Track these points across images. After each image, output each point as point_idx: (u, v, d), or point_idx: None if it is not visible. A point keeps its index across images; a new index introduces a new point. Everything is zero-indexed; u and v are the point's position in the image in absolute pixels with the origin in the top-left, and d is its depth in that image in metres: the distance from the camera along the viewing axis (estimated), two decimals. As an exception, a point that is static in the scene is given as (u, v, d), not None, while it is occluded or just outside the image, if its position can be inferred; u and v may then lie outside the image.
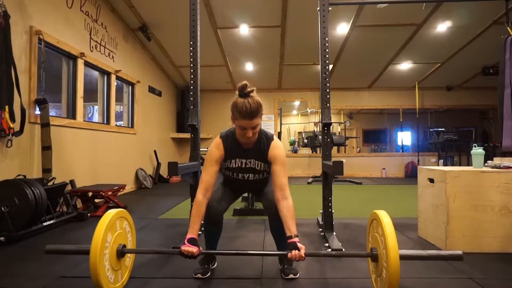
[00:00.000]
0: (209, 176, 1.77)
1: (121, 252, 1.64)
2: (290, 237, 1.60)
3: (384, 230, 1.47)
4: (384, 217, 1.53)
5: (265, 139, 1.83)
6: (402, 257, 1.42)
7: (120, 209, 1.71)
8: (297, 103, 9.59)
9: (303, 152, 9.18)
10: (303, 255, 1.53)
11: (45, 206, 2.71)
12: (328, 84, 2.70)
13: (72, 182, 3.73)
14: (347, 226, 3.01)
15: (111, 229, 1.60)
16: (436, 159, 8.18)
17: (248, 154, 1.84)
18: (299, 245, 1.56)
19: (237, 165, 1.85)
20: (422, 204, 2.61)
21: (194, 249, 1.58)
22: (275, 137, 1.88)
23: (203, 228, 1.92)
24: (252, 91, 1.68)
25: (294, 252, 1.53)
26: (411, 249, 2.34)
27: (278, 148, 1.80)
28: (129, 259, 1.79)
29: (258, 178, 1.89)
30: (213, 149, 1.82)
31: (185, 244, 1.61)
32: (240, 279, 1.82)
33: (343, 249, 2.21)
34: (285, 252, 1.58)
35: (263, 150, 1.82)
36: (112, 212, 1.63)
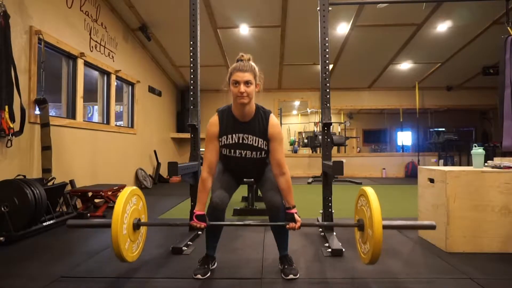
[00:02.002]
0: (210, 153, 1.84)
1: (136, 225, 1.81)
2: (289, 208, 1.80)
3: (371, 203, 1.65)
4: (371, 193, 1.69)
5: (262, 114, 1.86)
6: (385, 227, 1.61)
7: (135, 187, 1.86)
8: (297, 103, 9.58)
9: (303, 152, 9.18)
10: (298, 227, 1.76)
11: (45, 206, 2.71)
12: (328, 84, 2.70)
13: (72, 182, 3.73)
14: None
15: (128, 204, 1.76)
16: (436, 159, 8.18)
17: (245, 129, 1.84)
18: (296, 217, 1.77)
19: (233, 141, 1.84)
20: (422, 204, 2.61)
21: (202, 225, 1.77)
22: (272, 114, 1.89)
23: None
24: (248, 58, 1.83)
25: (291, 224, 1.76)
26: (410, 248, 2.35)
27: (277, 126, 1.86)
28: (142, 233, 1.94)
29: (255, 157, 1.87)
30: (210, 126, 1.86)
31: (193, 220, 1.78)
32: (240, 279, 1.82)
33: (343, 249, 2.21)
34: (283, 223, 1.79)
35: (262, 124, 1.83)
36: (128, 189, 1.80)
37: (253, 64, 1.81)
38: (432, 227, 1.75)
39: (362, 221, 1.75)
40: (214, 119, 1.87)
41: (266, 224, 1.94)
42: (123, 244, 1.68)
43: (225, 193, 1.88)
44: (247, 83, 1.74)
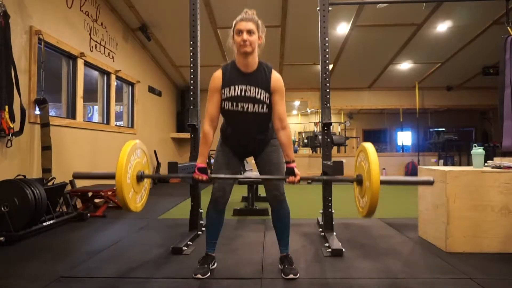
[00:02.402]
0: (211, 107, 1.86)
1: (140, 177, 1.83)
2: (289, 162, 1.82)
3: (369, 156, 1.65)
4: (370, 147, 1.70)
5: (265, 67, 1.87)
6: (382, 182, 1.60)
7: (138, 141, 1.86)
8: (297, 103, 9.58)
9: (303, 152, 9.18)
10: (298, 180, 1.77)
11: (45, 206, 2.71)
12: (328, 84, 2.70)
13: (72, 182, 3.73)
14: (347, 226, 3.01)
15: (133, 155, 1.78)
16: (436, 159, 8.18)
17: (248, 80, 1.83)
18: (296, 170, 1.79)
19: (236, 93, 1.82)
20: (423, 204, 2.61)
21: (204, 177, 1.79)
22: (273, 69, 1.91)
23: (206, 219, 1.96)
24: (252, 13, 1.86)
25: (291, 177, 1.77)
26: (410, 248, 2.35)
27: (280, 80, 1.87)
28: (146, 187, 1.94)
29: (257, 111, 1.84)
30: (213, 79, 1.87)
31: (195, 172, 1.81)
32: (240, 279, 1.82)
33: (343, 249, 2.21)
34: (283, 177, 1.81)
35: (264, 76, 1.84)
36: (132, 141, 1.81)
37: (256, 17, 1.85)
38: (430, 183, 1.76)
39: (361, 176, 1.78)
40: (218, 72, 1.88)
41: (266, 178, 1.92)
42: (127, 193, 1.70)
43: (226, 185, 1.92)
44: (249, 32, 1.78)
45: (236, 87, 1.81)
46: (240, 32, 1.78)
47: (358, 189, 1.83)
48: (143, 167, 1.89)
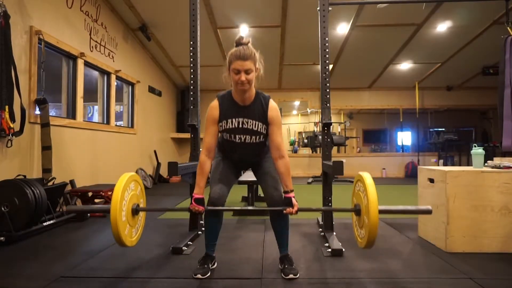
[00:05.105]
0: (209, 137, 1.86)
1: (135, 210, 1.82)
2: (287, 192, 1.80)
3: (367, 188, 1.62)
4: (367, 178, 1.67)
5: (262, 99, 1.87)
6: (381, 211, 1.59)
7: (133, 173, 1.84)
8: (297, 103, 9.58)
9: (303, 152, 9.18)
10: (295, 211, 1.75)
11: (45, 206, 2.71)
12: (328, 84, 2.70)
13: (72, 182, 3.73)
14: (347, 226, 3.01)
15: (127, 190, 1.76)
16: (436, 159, 8.18)
17: (245, 113, 1.83)
18: (293, 201, 1.77)
19: (233, 125, 1.84)
20: (422, 204, 2.60)
21: (200, 208, 1.79)
22: (271, 99, 1.90)
23: (203, 223, 1.96)
24: (248, 42, 1.81)
25: (289, 208, 1.76)
26: (410, 248, 2.35)
27: (276, 110, 1.87)
28: (141, 217, 1.93)
29: (255, 141, 1.87)
30: (210, 109, 1.86)
31: (192, 204, 1.80)
32: (240, 279, 1.82)
33: (343, 249, 2.21)
34: (281, 208, 1.79)
35: (261, 108, 1.84)
36: (127, 174, 1.80)
37: (252, 49, 1.79)
38: (428, 212, 1.74)
39: (359, 207, 1.74)
40: (214, 103, 1.87)
41: (265, 209, 1.92)
42: (123, 231, 1.68)
43: (224, 187, 1.90)
44: (247, 71, 1.74)
45: (234, 120, 1.83)
46: (237, 72, 1.74)
47: (356, 218, 1.80)
48: (138, 197, 1.88)
